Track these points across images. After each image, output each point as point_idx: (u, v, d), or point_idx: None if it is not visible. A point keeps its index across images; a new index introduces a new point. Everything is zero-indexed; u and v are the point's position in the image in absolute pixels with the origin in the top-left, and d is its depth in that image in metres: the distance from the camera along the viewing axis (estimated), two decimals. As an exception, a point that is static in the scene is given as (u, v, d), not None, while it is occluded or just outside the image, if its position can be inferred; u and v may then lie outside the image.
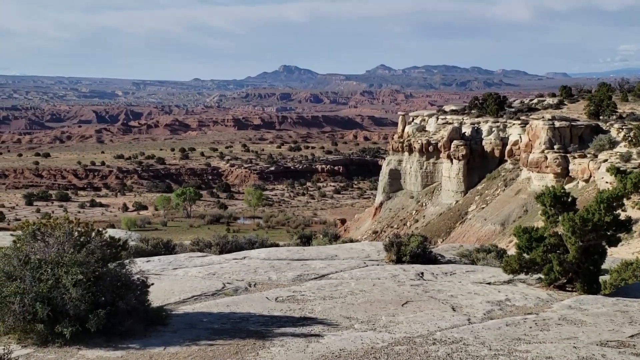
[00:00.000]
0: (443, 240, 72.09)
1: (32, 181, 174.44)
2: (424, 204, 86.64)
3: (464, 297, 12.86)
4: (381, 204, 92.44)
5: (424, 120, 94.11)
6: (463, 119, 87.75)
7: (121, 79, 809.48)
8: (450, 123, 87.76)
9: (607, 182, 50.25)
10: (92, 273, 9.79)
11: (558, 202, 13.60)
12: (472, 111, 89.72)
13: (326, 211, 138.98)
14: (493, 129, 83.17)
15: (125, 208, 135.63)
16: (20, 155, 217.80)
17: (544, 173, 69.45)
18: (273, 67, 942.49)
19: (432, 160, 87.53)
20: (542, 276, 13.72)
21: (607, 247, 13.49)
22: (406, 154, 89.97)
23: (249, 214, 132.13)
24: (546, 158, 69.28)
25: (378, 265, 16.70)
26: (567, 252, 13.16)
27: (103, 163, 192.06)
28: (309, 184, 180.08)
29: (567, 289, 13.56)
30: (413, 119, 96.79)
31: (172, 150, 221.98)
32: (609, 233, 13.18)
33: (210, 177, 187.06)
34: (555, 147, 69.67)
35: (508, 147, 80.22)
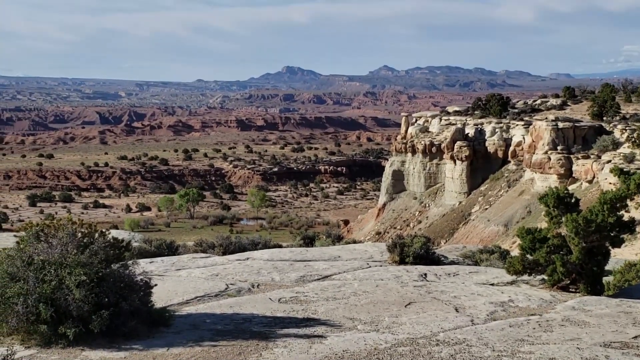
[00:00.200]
0: (446, 241, 72.03)
1: (36, 182, 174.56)
2: (427, 205, 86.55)
3: (467, 298, 12.85)
4: (384, 205, 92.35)
5: (427, 121, 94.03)
6: (466, 120, 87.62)
7: (124, 80, 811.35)
8: (453, 124, 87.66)
9: (610, 183, 50.13)
10: (95, 274, 9.79)
11: (561, 203, 13.59)
12: (476, 112, 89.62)
13: (329, 212, 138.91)
14: (496, 129, 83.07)
15: (128, 209, 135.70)
16: (23, 156, 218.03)
17: (547, 174, 69.36)
18: (276, 68, 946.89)
19: (435, 161, 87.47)
20: (546, 277, 13.70)
21: (610, 248, 13.47)
22: (409, 155, 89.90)
23: (252, 215, 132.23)
24: (549, 159, 69.19)
25: (381, 266, 16.70)
26: (571, 253, 13.14)
27: (106, 164, 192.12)
28: (312, 185, 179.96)
29: (570, 290, 13.55)
30: (416, 120, 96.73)
31: (175, 151, 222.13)
32: (612, 234, 13.17)
33: (213, 178, 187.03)
34: (559, 148, 69.62)
35: (511, 148, 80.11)
